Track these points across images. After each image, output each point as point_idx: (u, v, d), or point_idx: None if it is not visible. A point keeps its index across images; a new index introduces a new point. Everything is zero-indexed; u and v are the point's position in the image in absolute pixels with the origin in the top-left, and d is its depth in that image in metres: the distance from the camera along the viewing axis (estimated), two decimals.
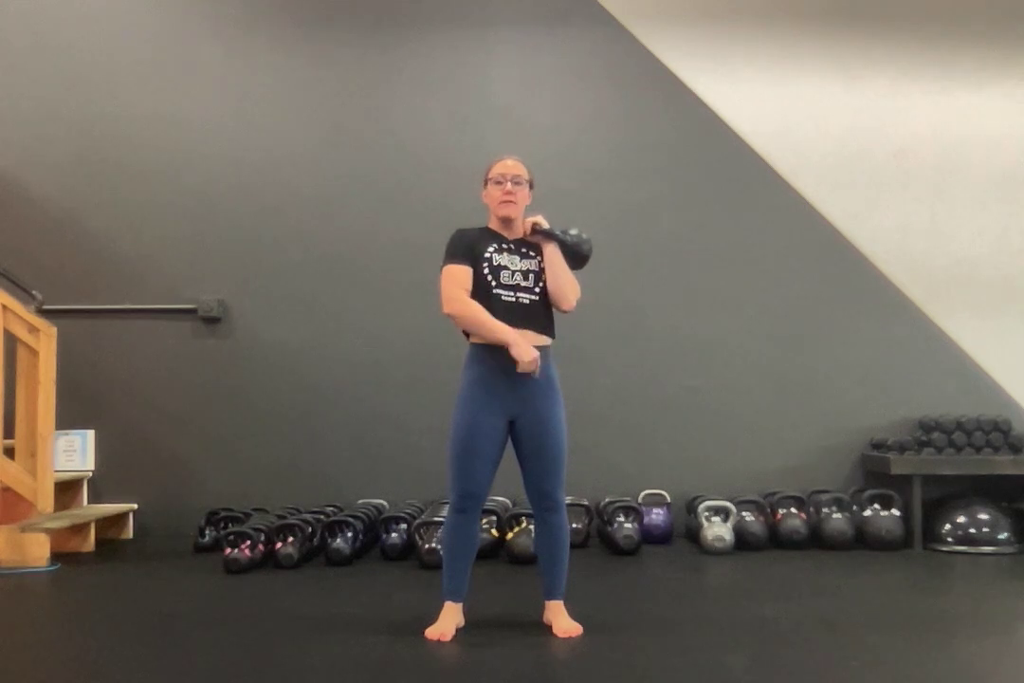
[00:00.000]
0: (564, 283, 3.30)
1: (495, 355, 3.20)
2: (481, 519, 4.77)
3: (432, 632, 3.19)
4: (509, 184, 3.29)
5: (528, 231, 3.32)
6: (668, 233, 5.67)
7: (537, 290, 3.29)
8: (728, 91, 5.68)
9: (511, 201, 3.30)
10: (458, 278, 3.24)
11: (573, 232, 3.33)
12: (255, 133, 5.71)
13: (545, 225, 3.31)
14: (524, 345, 3.15)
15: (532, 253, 3.33)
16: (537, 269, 3.31)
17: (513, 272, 3.27)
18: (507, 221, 3.34)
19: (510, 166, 3.33)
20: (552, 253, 3.30)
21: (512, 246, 3.32)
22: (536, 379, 3.21)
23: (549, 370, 3.29)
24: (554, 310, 3.36)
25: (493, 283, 3.24)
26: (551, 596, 3.32)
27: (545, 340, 3.30)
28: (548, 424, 3.24)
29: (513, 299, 3.25)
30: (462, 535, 3.27)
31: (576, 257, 3.35)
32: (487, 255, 3.27)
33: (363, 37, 5.75)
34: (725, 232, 5.66)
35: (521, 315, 3.24)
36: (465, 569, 3.29)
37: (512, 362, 3.16)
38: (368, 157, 5.70)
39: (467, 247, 3.28)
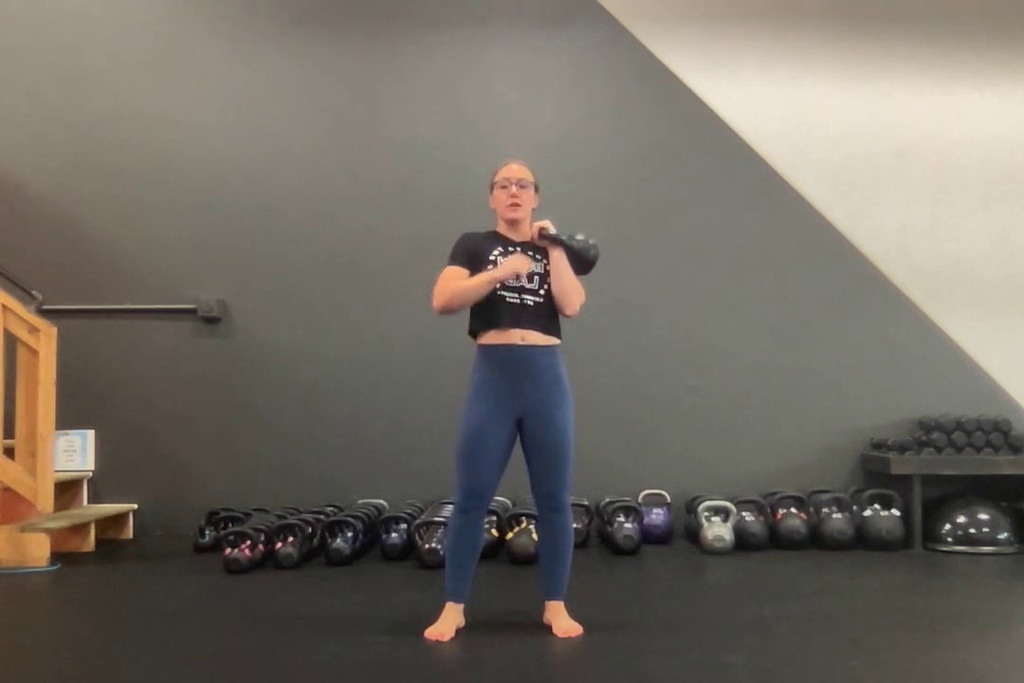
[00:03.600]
0: (568, 288, 3.30)
1: (501, 354, 3.22)
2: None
3: (431, 632, 3.19)
4: (514, 188, 3.32)
5: (535, 236, 3.33)
6: (667, 233, 5.67)
7: (542, 292, 3.29)
8: (728, 91, 5.68)
9: (517, 204, 3.32)
10: (450, 277, 3.27)
11: (579, 237, 3.33)
12: (255, 133, 5.71)
13: (552, 230, 3.31)
14: (504, 264, 3.20)
15: (538, 256, 3.33)
16: (543, 272, 3.31)
17: (519, 275, 3.29)
18: (514, 224, 3.36)
19: (515, 170, 3.35)
20: (558, 258, 3.30)
21: (519, 249, 3.33)
22: (545, 372, 3.22)
23: (557, 370, 3.29)
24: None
25: (498, 285, 3.26)
26: (551, 596, 3.32)
27: (552, 340, 3.30)
28: (552, 424, 3.24)
29: (518, 301, 3.26)
30: (466, 536, 3.27)
31: (582, 263, 3.34)
32: (492, 258, 3.28)
33: (363, 37, 5.75)
34: (725, 232, 5.66)
35: (525, 316, 3.25)
36: (468, 570, 3.28)
37: (516, 362, 3.19)
38: (368, 157, 5.69)
39: (469, 251, 3.30)
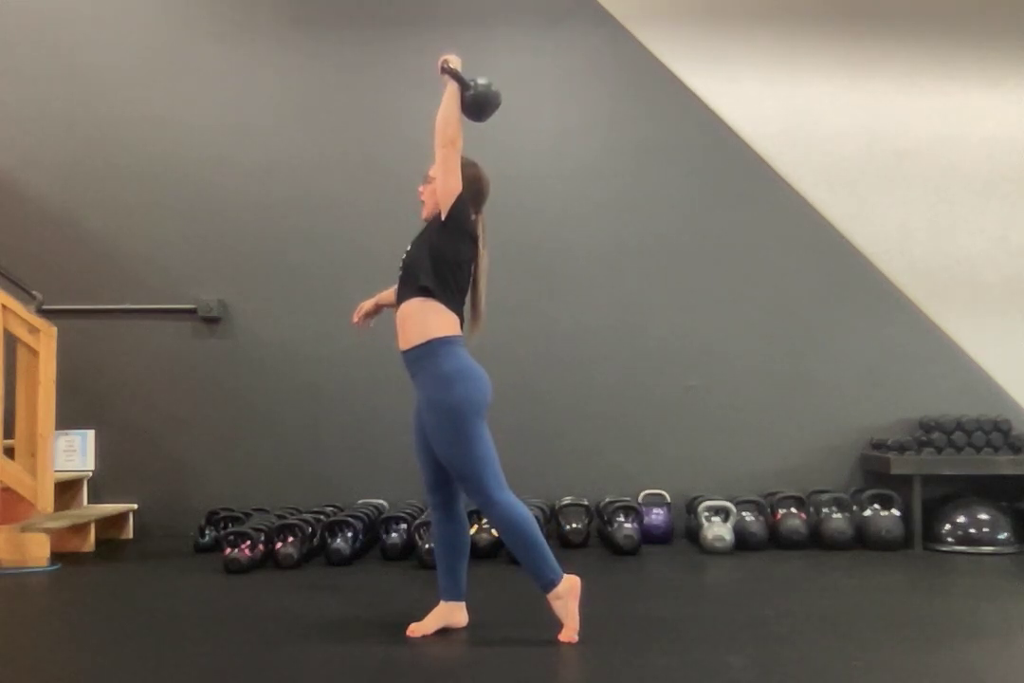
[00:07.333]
0: (438, 120, 3.22)
1: None
2: (481, 519, 4.79)
3: (410, 627, 3.23)
4: (420, 186, 3.37)
5: (438, 66, 3.25)
6: (668, 233, 5.67)
7: (404, 256, 3.31)
8: (728, 91, 5.68)
9: (420, 199, 3.36)
10: None
11: (482, 81, 3.26)
12: (254, 133, 5.71)
13: (454, 64, 3.22)
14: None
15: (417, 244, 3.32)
16: (417, 240, 3.31)
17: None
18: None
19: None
20: (449, 92, 3.23)
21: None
22: (414, 378, 3.24)
23: (419, 378, 3.23)
24: (433, 268, 3.22)
25: None
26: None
27: (411, 341, 3.27)
28: (430, 433, 3.19)
29: (398, 282, 3.33)
30: (435, 533, 3.35)
31: (480, 106, 3.28)
32: None
33: (362, 37, 5.75)
34: (725, 232, 5.66)
35: (399, 289, 3.31)
36: (449, 568, 3.30)
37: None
38: (368, 157, 5.69)
39: None
